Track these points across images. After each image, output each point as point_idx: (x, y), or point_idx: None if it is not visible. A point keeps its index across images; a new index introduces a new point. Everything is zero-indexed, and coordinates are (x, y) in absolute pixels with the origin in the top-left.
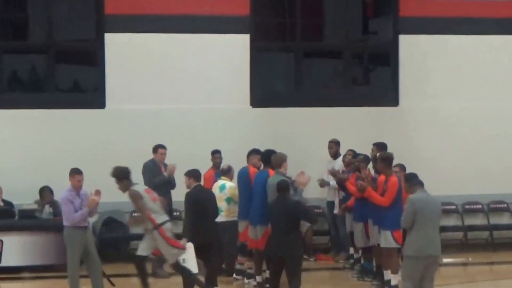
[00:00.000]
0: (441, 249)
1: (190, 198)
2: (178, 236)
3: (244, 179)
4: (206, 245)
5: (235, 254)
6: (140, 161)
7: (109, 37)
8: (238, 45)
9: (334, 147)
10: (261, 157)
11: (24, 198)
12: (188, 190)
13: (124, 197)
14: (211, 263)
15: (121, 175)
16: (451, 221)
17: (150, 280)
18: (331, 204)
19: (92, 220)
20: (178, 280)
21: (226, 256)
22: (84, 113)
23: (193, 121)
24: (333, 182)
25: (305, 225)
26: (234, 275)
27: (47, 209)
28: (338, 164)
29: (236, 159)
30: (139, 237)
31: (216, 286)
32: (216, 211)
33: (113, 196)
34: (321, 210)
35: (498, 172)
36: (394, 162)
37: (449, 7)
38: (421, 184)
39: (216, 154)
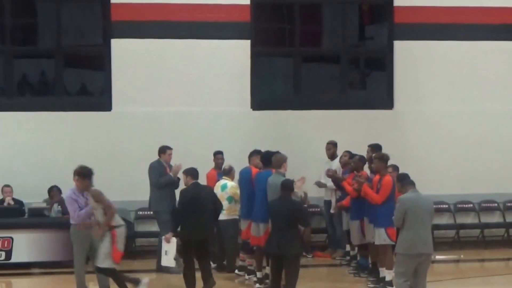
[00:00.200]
0: (434, 246)
1: (186, 194)
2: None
3: (246, 179)
4: (201, 242)
5: (236, 251)
6: (144, 161)
7: (115, 43)
8: (240, 50)
9: (331, 148)
10: (261, 158)
11: (33, 197)
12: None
13: (130, 196)
14: (206, 261)
15: (86, 174)
16: (444, 219)
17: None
18: (328, 203)
19: None
20: (178, 280)
21: (227, 253)
22: (91, 116)
23: (196, 123)
24: (330, 183)
25: None
26: (237, 271)
27: (56, 207)
28: (335, 164)
29: (237, 160)
30: (145, 234)
31: (214, 282)
32: (216, 209)
33: (118, 195)
34: (318, 209)
35: (489, 173)
36: (388, 163)
37: (442, 14)
38: (412, 184)
39: (218, 154)
